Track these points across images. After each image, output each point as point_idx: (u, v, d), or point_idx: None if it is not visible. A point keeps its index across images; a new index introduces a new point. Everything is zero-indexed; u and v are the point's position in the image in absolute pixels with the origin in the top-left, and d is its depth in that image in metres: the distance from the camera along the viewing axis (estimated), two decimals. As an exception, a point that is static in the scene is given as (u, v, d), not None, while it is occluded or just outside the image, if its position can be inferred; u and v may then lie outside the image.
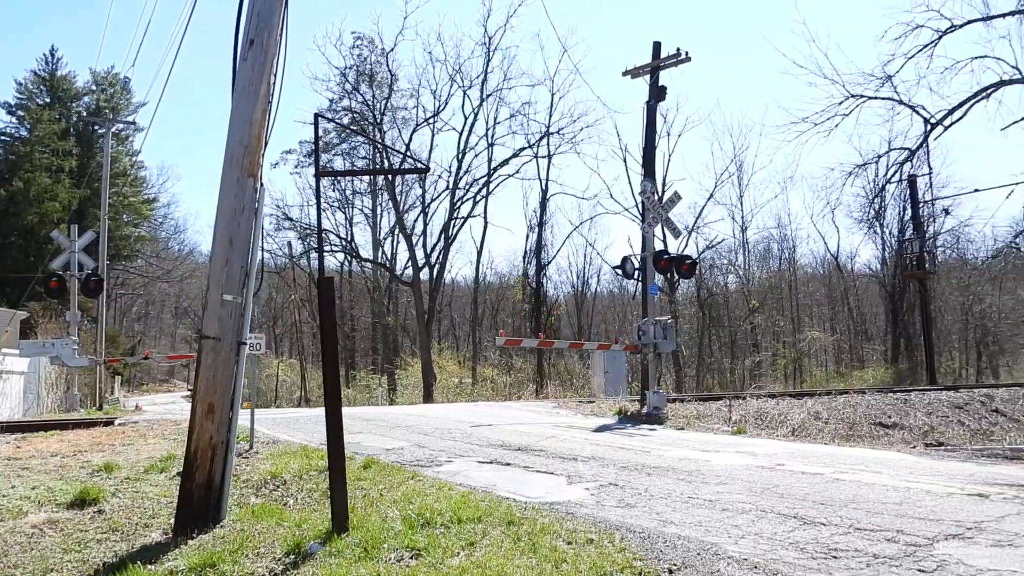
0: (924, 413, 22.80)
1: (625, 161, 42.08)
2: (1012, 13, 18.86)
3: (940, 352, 46.65)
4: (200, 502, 6.38)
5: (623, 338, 31.50)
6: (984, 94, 17.12)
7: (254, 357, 11.28)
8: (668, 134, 44.00)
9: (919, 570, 4.68)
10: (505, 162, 41.16)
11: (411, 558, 5.21)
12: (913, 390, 26.90)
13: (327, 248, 44.04)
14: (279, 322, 57.32)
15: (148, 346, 56.35)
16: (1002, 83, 17.11)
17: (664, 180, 42.21)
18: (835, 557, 4.99)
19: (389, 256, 47.88)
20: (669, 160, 55.45)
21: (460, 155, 40.17)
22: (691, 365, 47.39)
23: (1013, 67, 19.69)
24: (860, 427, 17.07)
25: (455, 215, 40.68)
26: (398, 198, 41.66)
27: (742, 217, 51.45)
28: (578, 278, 54.41)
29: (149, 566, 5.38)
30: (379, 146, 39.56)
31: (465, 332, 55.63)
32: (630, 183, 41.49)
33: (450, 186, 40.56)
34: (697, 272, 45.56)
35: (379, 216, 48.14)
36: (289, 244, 43.00)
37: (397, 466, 8.70)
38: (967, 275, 49.20)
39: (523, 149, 41.33)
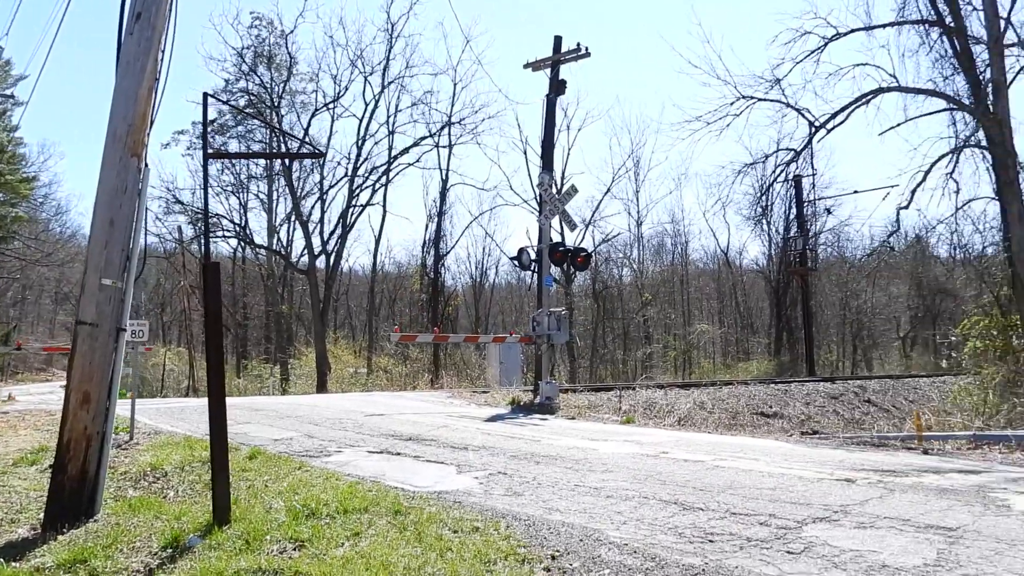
0: (803, 403, 23.87)
1: (525, 153, 42.48)
2: (891, 24, 19.88)
3: (820, 345, 48.99)
4: (72, 495, 6.11)
5: (518, 330, 31.76)
6: (864, 100, 17.99)
7: (137, 346, 10.84)
8: (568, 128, 44.58)
9: (787, 552, 4.92)
10: (406, 150, 40.81)
11: (294, 549, 5.14)
12: (793, 381, 28.15)
13: (220, 233, 42.77)
14: (167, 309, 55.32)
15: (25, 333, 53.47)
16: (880, 90, 18.01)
17: (563, 173, 42.76)
18: (711, 541, 5.18)
19: (285, 243, 46.85)
20: (568, 154, 56.28)
21: (360, 142, 39.56)
22: (585, 356, 48.23)
23: (891, 75, 20.85)
24: (743, 416, 17.74)
25: (354, 203, 40.07)
26: (295, 184, 40.71)
27: (638, 212, 52.68)
28: (477, 269, 54.61)
29: (13, 563, 5.12)
30: (275, 129, 38.55)
31: (362, 322, 54.97)
32: (530, 175, 41.89)
33: (349, 173, 39.90)
34: (593, 265, 46.41)
35: (275, 202, 47.02)
36: (179, 228, 41.46)
37: (285, 456, 8.55)
38: (846, 272, 51.81)
39: (424, 138, 41.07)
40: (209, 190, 39.52)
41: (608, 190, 48.65)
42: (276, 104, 39.58)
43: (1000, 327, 18.25)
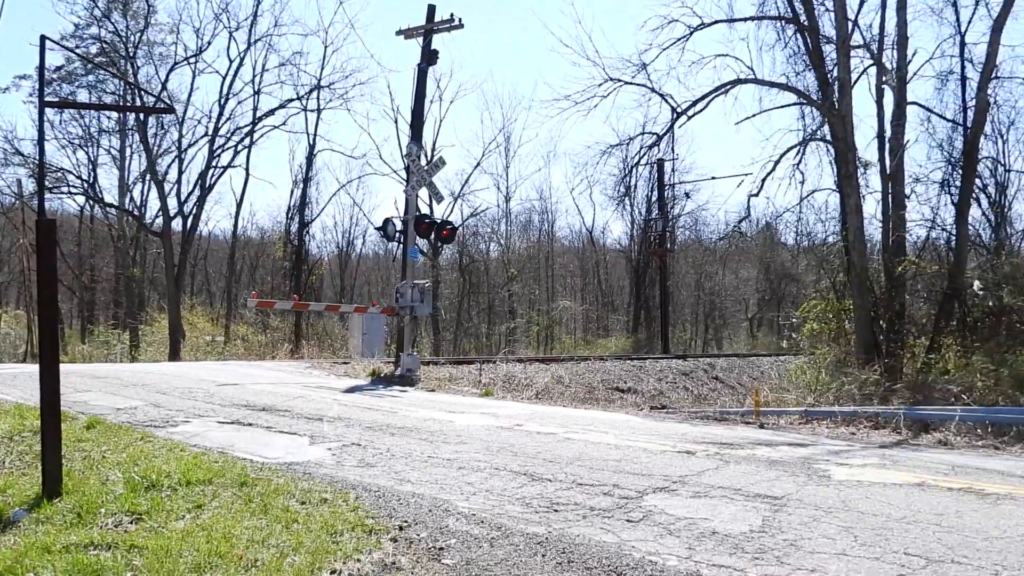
0: (656, 379, 24.86)
1: (396, 123, 41.73)
2: (751, 18, 20.76)
3: (675, 324, 51.03)
4: None
5: (382, 301, 31.49)
6: (723, 90, 18.70)
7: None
8: (440, 99, 44.28)
9: (627, 520, 5.14)
10: (271, 112, 39.29)
11: (131, 523, 4.95)
12: (648, 358, 29.23)
13: (65, 190, 40.00)
14: (6, 268, 51.50)
15: None
16: (738, 81, 18.77)
17: (434, 144, 42.41)
18: (556, 511, 5.35)
19: (138, 203, 44.37)
20: (440, 125, 55.78)
21: (223, 100, 37.73)
22: (450, 329, 48.37)
23: (749, 67, 21.71)
24: (598, 391, 18.31)
25: (214, 164, 38.26)
26: (150, 141, 38.54)
27: (507, 188, 53.04)
28: (344, 238, 53.62)
29: None
30: (126, 82, 36.33)
31: (221, 288, 52.94)
32: (400, 145, 41.19)
33: (209, 132, 38.12)
34: (460, 239, 46.47)
35: (128, 159, 44.38)
36: (19, 182, 38.51)
37: (127, 427, 8.18)
38: (701, 255, 54.11)
39: (291, 100, 39.65)
40: (54, 142, 36.90)
41: (478, 164, 48.90)
42: (132, 55, 37.25)
43: (835, 311, 19.55)
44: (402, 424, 9.22)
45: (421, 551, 4.51)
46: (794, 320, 24.60)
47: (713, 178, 57.01)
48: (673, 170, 43.46)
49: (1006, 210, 31.70)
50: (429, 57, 17.89)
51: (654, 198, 44.35)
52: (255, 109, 38.82)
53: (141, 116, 34.66)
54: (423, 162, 18.08)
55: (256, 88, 38.60)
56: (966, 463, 7.67)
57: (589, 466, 6.82)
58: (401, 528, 4.89)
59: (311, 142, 40.86)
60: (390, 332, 27.27)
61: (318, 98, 39.78)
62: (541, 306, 53.65)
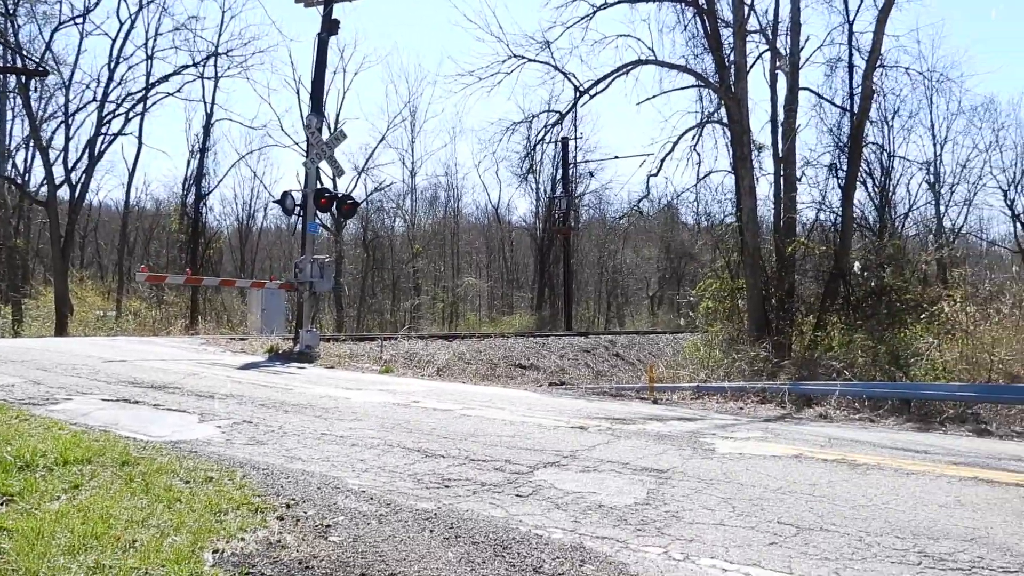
0: (558, 356, 25.21)
1: (298, 93, 40.66)
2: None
3: (578, 302, 51.79)
4: None
5: (282, 276, 30.84)
6: (624, 70, 18.96)
7: None
8: (344, 71, 43.54)
9: (517, 495, 5.21)
10: (165, 78, 37.65)
11: (1, 504, 4.73)
12: (551, 335, 29.60)
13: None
14: None
15: None
16: (639, 62, 19.05)
17: (338, 117, 41.67)
18: (447, 487, 5.38)
19: (21, 171, 42.03)
20: (344, 97, 54.89)
21: (112, 64, 35.95)
22: (353, 306, 47.82)
23: (649, 48, 22.12)
24: (499, 368, 18.45)
25: (104, 131, 36.58)
26: (33, 105, 36.50)
27: (412, 163, 52.58)
28: (244, 211, 52.22)
29: None
30: (5, 41, 34.20)
31: (112, 261, 50.87)
32: (302, 116, 40.10)
33: (98, 98, 36.34)
34: (364, 214, 45.92)
35: (9, 123, 41.92)
36: None
37: (1, 405, 7.79)
38: (605, 233, 54.96)
39: (187, 67, 38.06)
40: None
41: (383, 138, 48.33)
42: (11, 11, 35.12)
43: (729, 290, 20.23)
44: (297, 401, 9.08)
45: (308, 529, 4.47)
46: (692, 298, 25.30)
47: (616, 157, 57.69)
48: (576, 149, 43.92)
49: (890, 194, 33.39)
50: (330, 26, 17.48)
51: (559, 176, 44.76)
52: (148, 75, 37.22)
53: (22, 78, 32.71)
54: (324, 134, 17.71)
55: (149, 53, 36.99)
56: (842, 435, 8.07)
57: (483, 442, 6.87)
58: (288, 506, 4.83)
59: (208, 111, 39.47)
60: (290, 308, 26.76)
61: (215, 65, 38.41)
62: (446, 283, 53.57)
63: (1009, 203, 43.71)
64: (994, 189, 45.84)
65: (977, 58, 72.62)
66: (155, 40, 37.18)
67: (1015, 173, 43.90)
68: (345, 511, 4.76)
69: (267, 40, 76.12)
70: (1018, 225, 43.81)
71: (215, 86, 39.21)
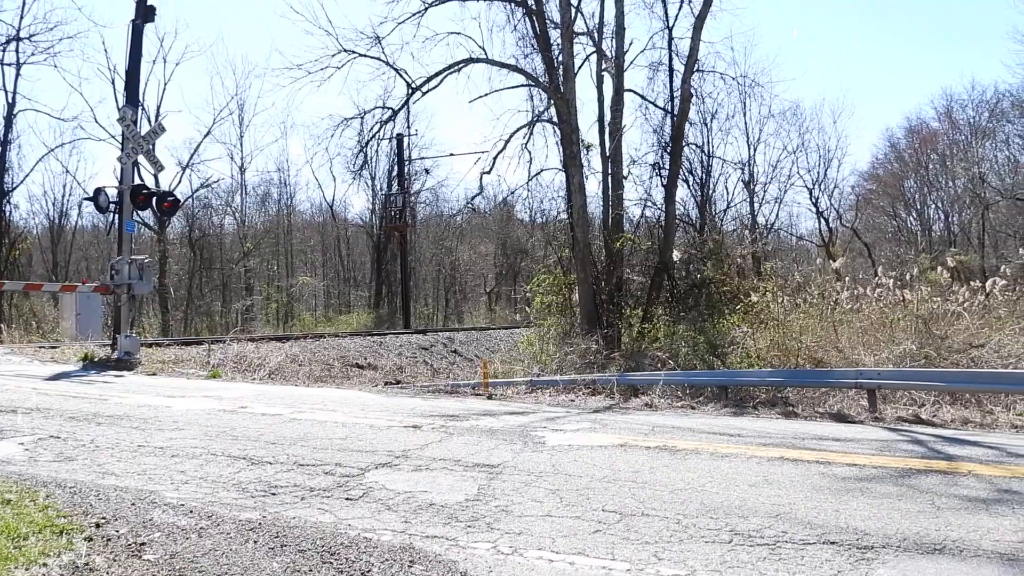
0: (396, 354, 25.04)
1: (113, 83, 38.18)
2: (482, -1, 21.31)
3: (416, 299, 51.64)
4: None
5: (100, 279, 28.88)
6: (456, 68, 19.06)
7: None
8: (165, 61, 41.44)
9: (347, 498, 5.12)
10: (-44, 64, 34.47)
11: None
12: (389, 333, 29.35)
13: None
14: None
15: None
16: (471, 60, 19.20)
17: (159, 109, 39.53)
18: (273, 494, 5.21)
19: None
20: (165, 88, 52.04)
21: None
22: (179, 308, 45.46)
23: (480, 47, 22.28)
24: (335, 369, 18.09)
25: None
26: None
27: (242, 158, 50.52)
28: (55, 208, 48.43)
29: None
30: None
31: None
32: (119, 107, 37.76)
33: None
34: (190, 211, 43.81)
35: None
36: None
37: None
38: (441, 230, 55.06)
39: (-17, 52, 35.01)
40: None
41: (209, 132, 45.79)
42: None
43: (561, 285, 20.77)
44: (112, 412, 8.53)
45: (120, 548, 4.20)
46: (528, 294, 25.77)
47: (452, 154, 58.15)
48: (411, 145, 43.76)
49: (710, 192, 35.30)
50: (145, 13, 16.50)
51: (394, 173, 44.39)
52: (-63, 60, 33.84)
53: None
54: (142, 128, 16.72)
55: (-62, 35, 33.63)
56: (665, 423, 8.46)
57: (313, 446, 6.71)
58: (99, 525, 4.52)
59: (10, 100, 36.32)
60: (109, 313, 25.13)
61: (17, 51, 35.39)
62: (280, 282, 51.97)
63: (814, 201, 47.43)
64: (801, 188, 49.46)
65: (783, 65, 78.01)
66: (-55, 22, 33.87)
67: (818, 173, 47.69)
68: (162, 527, 4.51)
69: (76, 25, 70.61)
70: (822, 221, 47.56)
71: (17, 73, 36.06)
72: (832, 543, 4.20)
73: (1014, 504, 4.95)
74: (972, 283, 13.98)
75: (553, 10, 20.01)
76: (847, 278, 15.33)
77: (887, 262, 19.55)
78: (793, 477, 5.69)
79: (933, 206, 50.68)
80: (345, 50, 18.95)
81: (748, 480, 5.58)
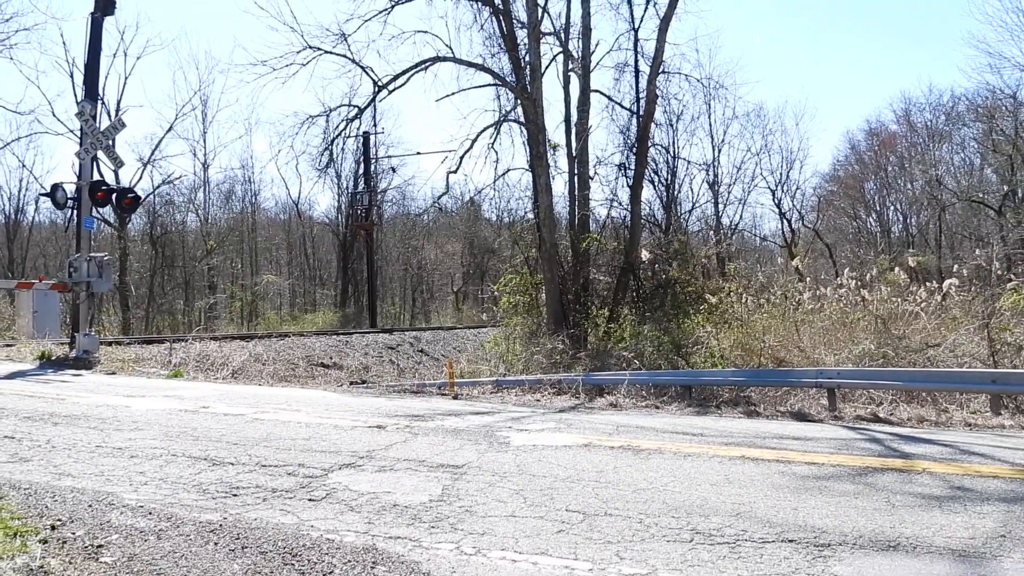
0: (362, 354, 24.90)
1: (72, 76, 37.43)
2: (451, -4, 21.28)
3: (383, 298, 51.39)
4: None
5: (57, 276, 28.35)
6: (423, 66, 18.95)
7: None
8: (126, 55, 40.78)
9: (310, 500, 5.08)
10: (-93, 56, 33.65)
11: None
12: (355, 333, 29.18)
13: None
14: None
15: None
16: (437, 59, 19.11)
17: (119, 104, 38.80)
18: (235, 495, 5.16)
19: None
20: (125, 83, 51.23)
21: None
22: (141, 306, 44.78)
23: (447, 45, 22.22)
24: (299, 368, 17.95)
25: None
26: None
27: (205, 154, 49.87)
28: (11, 204, 47.50)
29: None
30: None
31: None
32: (77, 101, 37.13)
33: None
34: (152, 208, 43.14)
35: None
36: None
37: None
38: (408, 229, 54.85)
39: (-65, 44, 34.20)
40: None
41: (171, 128, 45.11)
42: None
43: (528, 285, 20.78)
44: (70, 412, 8.38)
45: (76, 551, 4.13)
46: (495, 293, 25.75)
47: (418, 153, 57.90)
48: (378, 144, 43.54)
49: (675, 192, 35.54)
50: (104, 6, 16.20)
51: (360, 171, 44.13)
52: None
53: None
54: (102, 122, 16.45)
55: None
56: (629, 422, 8.52)
57: (276, 447, 6.65)
58: (54, 527, 4.44)
59: (-35, 93, 35.59)
60: (67, 311, 24.70)
61: (-30, 43, 34.63)
62: (245, 280, 51.37)
63: (777, 202, 47.97)
64: (764, 189, 50.13)
65: (747, 68, 78.95)
66: None
67: (781, 175, 48.24)
68: (120, 529, 4.45)
69: (33, 17, 69.06)
70: (785, 222, 48.12)
71: (-28, 66, 35.34)
72: (791, 541, 4.26)
73: (966, 501, 5.06)
74: (929, 284, 14.26)
75: (520, 10, 20.03)
76: (808, 279, 15.54)
77: (848, 262, 19.81)
78: (754, 476, 5.76)
79: (892, 207, 51.49)
80: (310, 47, 18.78)
81: (710, 479, 5.64)
